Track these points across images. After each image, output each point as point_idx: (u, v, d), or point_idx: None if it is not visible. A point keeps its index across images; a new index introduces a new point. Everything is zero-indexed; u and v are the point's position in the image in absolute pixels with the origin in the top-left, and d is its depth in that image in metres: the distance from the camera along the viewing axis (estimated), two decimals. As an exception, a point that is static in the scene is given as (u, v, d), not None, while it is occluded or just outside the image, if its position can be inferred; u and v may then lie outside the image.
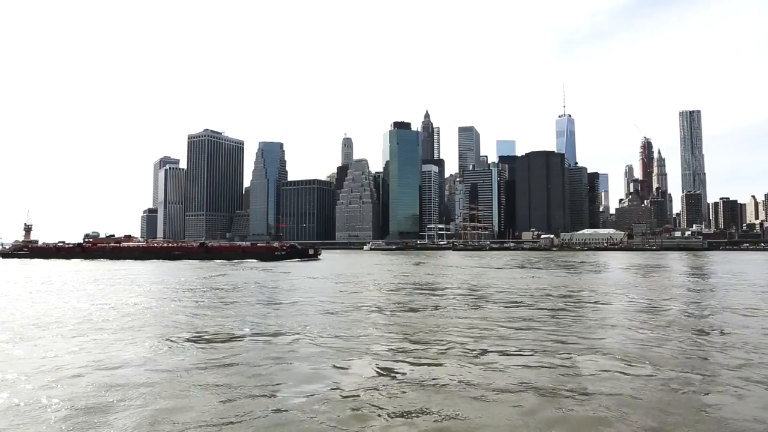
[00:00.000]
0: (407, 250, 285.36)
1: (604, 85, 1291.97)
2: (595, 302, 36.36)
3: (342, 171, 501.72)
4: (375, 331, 23.84)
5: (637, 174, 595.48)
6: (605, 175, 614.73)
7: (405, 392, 14.26)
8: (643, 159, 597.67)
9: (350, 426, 11.76)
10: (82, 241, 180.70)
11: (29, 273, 75.57)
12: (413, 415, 12.50)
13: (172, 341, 21.62)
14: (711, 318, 28.69)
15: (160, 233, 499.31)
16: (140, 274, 69.95)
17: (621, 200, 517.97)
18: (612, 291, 45.04)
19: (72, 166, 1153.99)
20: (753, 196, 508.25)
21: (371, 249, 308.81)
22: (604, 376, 15.83)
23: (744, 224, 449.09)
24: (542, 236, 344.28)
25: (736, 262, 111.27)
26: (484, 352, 19.42)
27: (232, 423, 11.91)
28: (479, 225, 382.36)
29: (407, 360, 18.17)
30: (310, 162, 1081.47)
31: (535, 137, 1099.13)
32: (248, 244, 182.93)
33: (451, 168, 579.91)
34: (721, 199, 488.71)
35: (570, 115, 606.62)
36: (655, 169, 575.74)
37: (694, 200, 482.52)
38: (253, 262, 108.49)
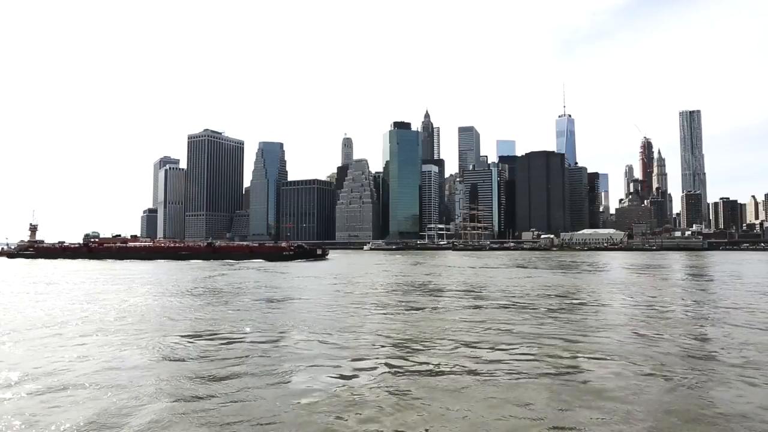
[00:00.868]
0: (407, 250, 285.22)
1: (604, 85, 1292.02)
2: (595, 302, 36.41)
3: (342, 171, 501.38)
4: (375, 331, 23.90)
5: (637, 174, 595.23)
6: (605, 175, 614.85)
7: (404, 392, 14.31)
8: (643, 159, 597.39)
9: (351, 426, 11.82)
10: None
11: (36, 273, 75.40)
12: (413, 415, 12.55)
13: (176, 341, 21.68)
14: (711, 317, 28.74)
15: (160, 233, 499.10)
16: (149, 275, 69.66)
17: (621, 200, 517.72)
18: (612, 291, 45.09)
19: (72, 166, 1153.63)
20: (753, 196, 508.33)
21: (371, 249, 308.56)
22: (606, 376, 15.88)
23: (744, 224, 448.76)
24: (542, 236, 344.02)
25: (736, 262, 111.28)
26: (483, 351, 19.48)
27: (232, 423, 11.97)
28: (479, 225, 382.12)
29: (406, 359, 18.23)
30: (310, 162, 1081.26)
31: (535, 137, 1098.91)
32: (256, 244, 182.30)
33: (451, 168, 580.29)
34: (721, 199, 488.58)
35: (570, 115, 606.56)
36: (655, 169, 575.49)
37: (694, 200, 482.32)
38: (260, 262, 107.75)
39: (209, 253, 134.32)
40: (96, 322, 26.89)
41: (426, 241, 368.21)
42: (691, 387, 14.80)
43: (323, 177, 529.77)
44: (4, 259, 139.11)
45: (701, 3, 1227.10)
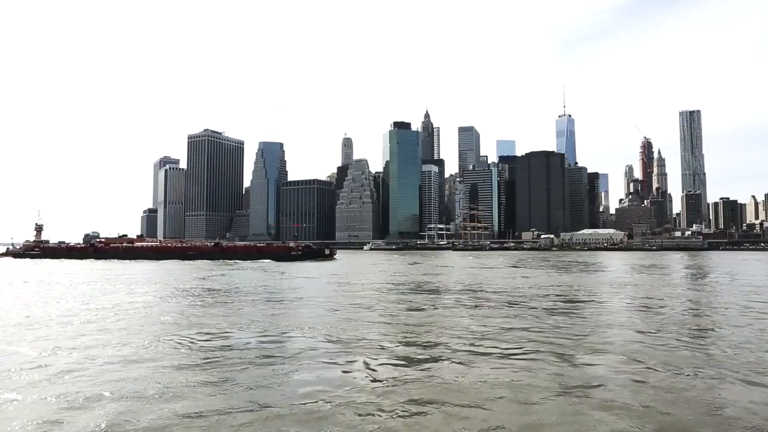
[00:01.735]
0: (407, 250, 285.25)
1: (604, 85, 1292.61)
2: (595, 302, 36.39)
3: (342, 171, 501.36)
4: (375, 330, 23.88)
5: (637, 174, 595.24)
6: (605, 175, 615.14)
7: (404, 392, 14.29)
8: (643, 159, 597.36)
9: (351, 426, 11.79)
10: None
11: (42, 273, 75.28)
12: (413, 414, 12.52)
13: (180, 340, 21.65)
14: (710, 317, 28.72)
15: (160, 233, 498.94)
16: (157, 275, 69.24)
17: (621, 200, 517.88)
18: (611, 291, 45.06)
19: (72, 166, 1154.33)
20: (753, 196, 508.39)
21: (371, 249, 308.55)
22: (607, 376, 15.85)
23: (744, 224, 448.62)
24: (542, 236, 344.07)
25: (736, 262, 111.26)
26: (482, 351, 19.45)
27: (231, 423, 11.93)
28: (479, 225, 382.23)
29: (406, 359, 18.21)
30: (310, 162, 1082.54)
31: (535, 137, 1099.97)
32: (264, 243, 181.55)
33: (451, 168, 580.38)
34: (721, 199, 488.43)
35: (570, 115, 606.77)
36: (655, 169, 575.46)
37: (694, 200, 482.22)
38: (268, 262, 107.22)
39: (217, 253, 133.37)
40: (103, 321, 26.86)
41: (426, 241, 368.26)
42: (694, 386, 14.77)
43: (323, 177, 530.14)
44: (9, 259, 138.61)
45: (701, 3, 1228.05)
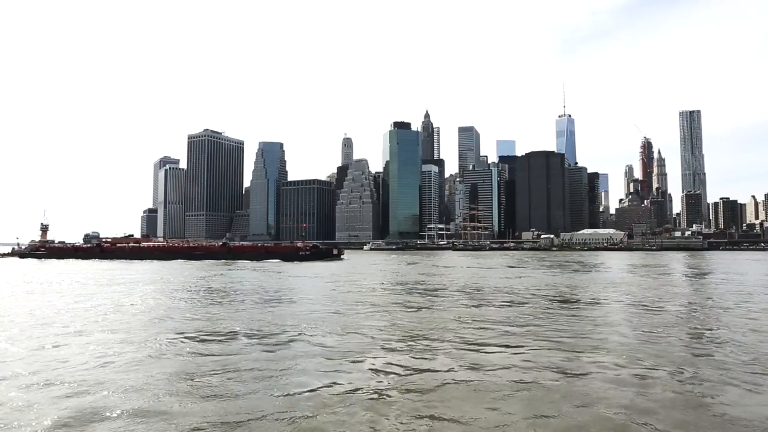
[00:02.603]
0: (407, 250, 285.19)
1: (604, 85, 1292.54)
2: (594, 301, 36.39)
3: (342, 171, 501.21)
4: (375, 329, 23.89)
5: (637, 174, 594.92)
6: (605, 175, 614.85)
7: (404, 392, 14.29)
8: (643, 159, 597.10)
9: (352, 426, 11.79)
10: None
11: (54, 273, 75.20)
12: (413, 415, 12.53)
13: (185, 340, 21.67)
14: (710, 317, 28.73)
15: (160, 233, 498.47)
16: (166, 275, 68.88)
17: (621, 200, 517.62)
18: (611, 291, 45.06)
19: (72, 166, 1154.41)
20: (753, 196, 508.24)
21: (371, 249, 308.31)
22: (608, 376, 15.86)
23: (744, 224, 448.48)
24: (542, 236, 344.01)
25: (736, 262, 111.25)
26: (481, 350, 19.46)
27: (231, 423, 11.94)
28: (479, 225, 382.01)
29: (405, 358, 18.22)
30: (310, 162, 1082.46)
31: (535, 137, 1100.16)
32: (272, 243, 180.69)
33: (451, 168, 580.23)
34: (721, 199, 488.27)
35: (570, 115, 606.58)
36: (655, 169, 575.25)
37: (694, 200, 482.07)
38: (277, 263, 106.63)
39: (224, 253, 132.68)
40: (111, 321, 26.88)
41: (426, 241, 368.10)
42: (694, 386, 14.78)
43: (323, 177, 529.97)
44: (15, 260, 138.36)
45: (701, 3, 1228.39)
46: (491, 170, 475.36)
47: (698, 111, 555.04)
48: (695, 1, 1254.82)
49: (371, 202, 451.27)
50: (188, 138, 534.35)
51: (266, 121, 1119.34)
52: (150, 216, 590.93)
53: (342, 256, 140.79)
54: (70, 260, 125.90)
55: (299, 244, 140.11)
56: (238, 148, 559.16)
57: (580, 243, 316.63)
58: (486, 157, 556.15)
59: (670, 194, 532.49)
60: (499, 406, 12.95)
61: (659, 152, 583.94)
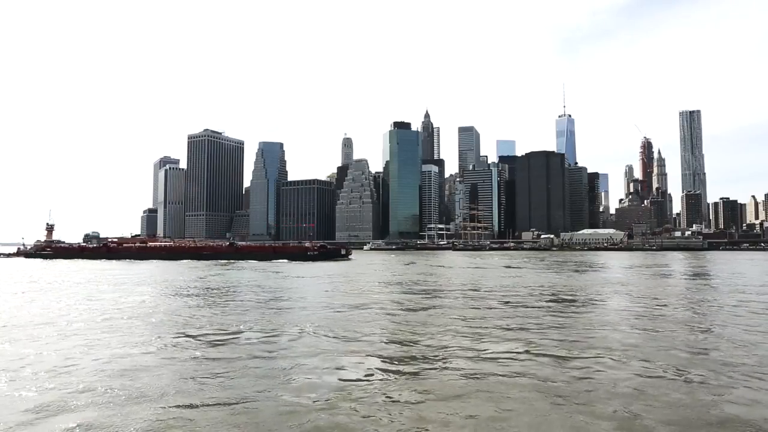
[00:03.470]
0: (407, 250, 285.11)
1: (604, 85, 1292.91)
2: (594, 301, 36.40)
3: (342, 171, 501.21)
4: (375, 328, 23.90)
5: (637, 174, 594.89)
6: (605, 175, 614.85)
7: (405, 391, 14.30)
8: (643, 159, 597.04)
9: (352, 426, 11.80)
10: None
11: (56, 273, 75.20)
12: (414, 414, 12.54)
13: (192, 339, 21.69)
14: (710, 317, 28.73)
15: (160, 233, 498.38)
16: (175, 275, 68.54)
17: (621, 200, 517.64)
18: (610, 290, 45.06)
19: (72, 167, 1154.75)
20: (753, 196, 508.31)
21: (371, 249, 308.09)
22: (608, 375, 15.87)
23: (744, 224, 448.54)
24: (542, 236, 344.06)
25: (736, 262, 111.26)
26: (484, 350, 19.47)
27: (231, 423, 11.96)
28: (479, 225, 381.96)
29: (403, 357, 18.23)
30: (310, 162, 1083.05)
31: (535, 137, 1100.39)
32: (280, 243, 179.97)
33: (451, 168, 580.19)
34: (721, 199, 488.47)
35: (570, 115, 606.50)
36: (655, 169, 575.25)
37: (694, 200, 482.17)
38: (284, 262, 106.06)
39: (232, 253, 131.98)
40: (119, 320, 26.89)
41: (426, 241, 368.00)
42: (693, 386, 14.78)
43: (323, 177, 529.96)
44: (21, 260, 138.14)
45: (701, 3, 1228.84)
46: (491, 170, 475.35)
47: (698, 111, 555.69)
48: (695, 1, 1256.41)
49: (371, 202, 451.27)
50: (188, 138, 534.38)
51: (266, 121, 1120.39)
52: (150, 216, 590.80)
53: (350, 257, 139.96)
54: (77, 260, 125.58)
55: (307, 244, 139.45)
56: (238, 148, 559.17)
57: (580, 243, 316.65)
58: (486, 157, 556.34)
59: (670, 194, 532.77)
60: (498, 406, 12.95)
61: (659, 152, 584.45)
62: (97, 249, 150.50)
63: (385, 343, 21.23)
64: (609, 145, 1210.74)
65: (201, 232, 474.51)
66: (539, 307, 32.50)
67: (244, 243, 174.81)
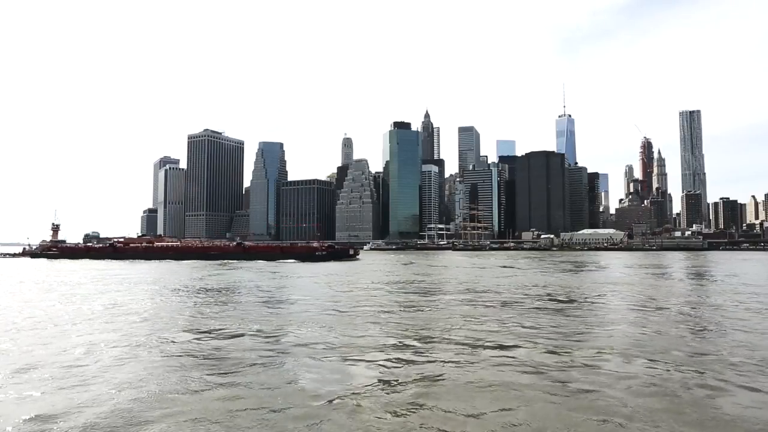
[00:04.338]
0: (407, 250, 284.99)
1: (604, 85, 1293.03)
2: (593, 301, 36.40)
3: (342, 171, 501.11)
4: (374, 328, 23.93)
5: (637, 174, 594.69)
6: (605, 175, 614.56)
7: (405, 391, 14.33)
8: (643, 159, 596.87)
9: (353, 426, 11.83)
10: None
11: (64, 273, 75.06)
12: (417, 415, 12.56)
13: (198, 340, 21.72)
14: (710, 316, 28.75)
15: (160, 233, 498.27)
16: (182, 275, 68.22)
17: (621, 200, 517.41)
18: (610, 290, 45.08)
19: (72, 166, 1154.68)
20: (753, 196, 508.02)
21: (371, 249, 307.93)
22: (608, 375, 15.89)
23: (744, 224, 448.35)
24: (542, 236, 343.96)
25: (736, 262, 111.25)
26: (485, 350, 19.49)
27: (230, 422, 11.98)
28: (479, 225, 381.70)
29: (406, 358, 18.26)
30: (310, 162, 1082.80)
31: (535, 137, 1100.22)
32: (287, 243, 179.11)
33: (451, 168, 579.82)
34: (721, 199, 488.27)
35: (570, 115, 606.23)
36: (655, 169, 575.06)
37: (694, 200, 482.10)
38: (292, 262, 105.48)
39: (240, 253, 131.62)
40: (124, 319, 26.91)
41: (426, 241, 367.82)
42: (694, 386, 14.81)
43: (323, 177, 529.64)
44: (27, 260, 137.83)
45: (701, 3, 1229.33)
46: (491, 170, 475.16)
47: (698, 111, 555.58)
48: (695, 1, 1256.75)
49: (371, 202, 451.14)
50: (188, 138, 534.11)
51: (266, 121, 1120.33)
52: (150, 216, 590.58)
53: (357, 257, 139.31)
54: (83, 260, 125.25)
55: (315, 244, 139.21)
56: (238, 148, 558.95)
57: (580, 243, 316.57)
58: (486, 157, 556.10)
59: (670, 194, 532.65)
60: (498, 406, 12.98)
61: (659, 152, 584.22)
62: (103, 249, 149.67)
63: (390, 342, 21.26)
64: (609, 145, 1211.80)
65: (201, 232, 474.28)
66: (542, 307, 32.52)
67: (252, 243, 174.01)
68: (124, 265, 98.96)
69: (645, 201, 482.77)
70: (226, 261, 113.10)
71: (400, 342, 21.32)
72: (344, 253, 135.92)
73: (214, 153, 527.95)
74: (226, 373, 16.07)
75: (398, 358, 18.30)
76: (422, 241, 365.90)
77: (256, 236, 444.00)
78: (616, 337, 22.22)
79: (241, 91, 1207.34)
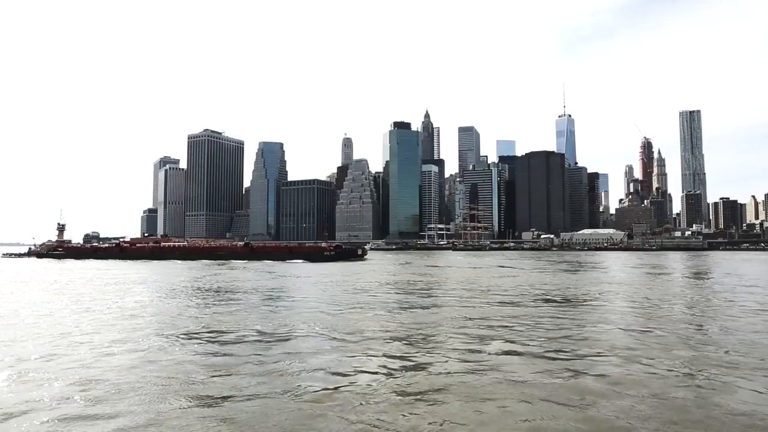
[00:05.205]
0: (407, 250, 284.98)
1: (605, 85, 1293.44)
2: (593, 301, 36.38)
3: (342, 171, 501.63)
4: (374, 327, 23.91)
5: (637, 174, 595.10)
6: (605, 175, 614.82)
7: (409, 392, 14.32)
8: (643, 159, 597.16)
9: (353, 426, 11.81)
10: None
11: (72, 273, 74.96)
12: (416, 415, 12.54)
13: (206, 340, 21.70)
14: (710, 316, 28.74)
15: (160, 233, 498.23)
16: (190, 276, 67.48)
17: (621, 200, 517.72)
18: (609, 290, 45.07)
19: (72, 166, 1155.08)
20: (753, 196, 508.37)
21: (371, 249, 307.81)
22: (607, 375, 15.87)
23: (744, 224, 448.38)
24: (542, 236, 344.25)
25: (736, 263, 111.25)
26: (485, 349, 19.47)
27: (231, 423, 11.97)
28: (479, 225, 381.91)
29: (406, 358, 18.24)
30: (310, 162, 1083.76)
31: (535, 137, 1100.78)
32: (296, 243, 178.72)
33: (451, 168, 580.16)
34: (721, 199, 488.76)
35: (570, 115, 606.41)
36: (655, 169, 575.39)
37: (694, 200, 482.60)
38: (301, 263, 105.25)
39: (247, 253, 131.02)
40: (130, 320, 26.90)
41: (426, 241, 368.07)
42: (694, 386, 14.79)
43: (323, 177, 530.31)
44: (33, 260, 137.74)
45: (702, 3, 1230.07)
46: (491, 170, 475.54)
47: (698, 111, 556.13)
48: (695, 1, 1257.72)
49: (371, 202, 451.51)
50: (188, 138, 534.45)
51: (266, 121, 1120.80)
52: (150, 216, 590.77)
53: (365, 257, 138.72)
54: (89, 260, 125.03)
55: (323, 245, 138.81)
56: (238, 148, 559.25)
57: (580, 243, 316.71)
58: (486, 157, 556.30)
59: (670, 194, 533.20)
60: (498, 406, 12.96)
61: (659, 152, 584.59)
62: (110, 249, 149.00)
63: (392, 341, 21.24)
64: (609, 145, 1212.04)
65: (201, 232, 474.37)
66: (541, 307, 32.49)
67: (260, 243, 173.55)
68: (132, 265, 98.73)
69: (645, 201, 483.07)
70: (234, 261, 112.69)
71: (402, 342, 21.29)
72: (353, 253, 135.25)
73: (214, 153, 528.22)
74: (227, 375, 16.04)
75: (400, 357, 18.28)
76: (422, 241, 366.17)
77: (255, 236, 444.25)
78: (617, 337, 22.18)
79: (241, 91, 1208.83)
